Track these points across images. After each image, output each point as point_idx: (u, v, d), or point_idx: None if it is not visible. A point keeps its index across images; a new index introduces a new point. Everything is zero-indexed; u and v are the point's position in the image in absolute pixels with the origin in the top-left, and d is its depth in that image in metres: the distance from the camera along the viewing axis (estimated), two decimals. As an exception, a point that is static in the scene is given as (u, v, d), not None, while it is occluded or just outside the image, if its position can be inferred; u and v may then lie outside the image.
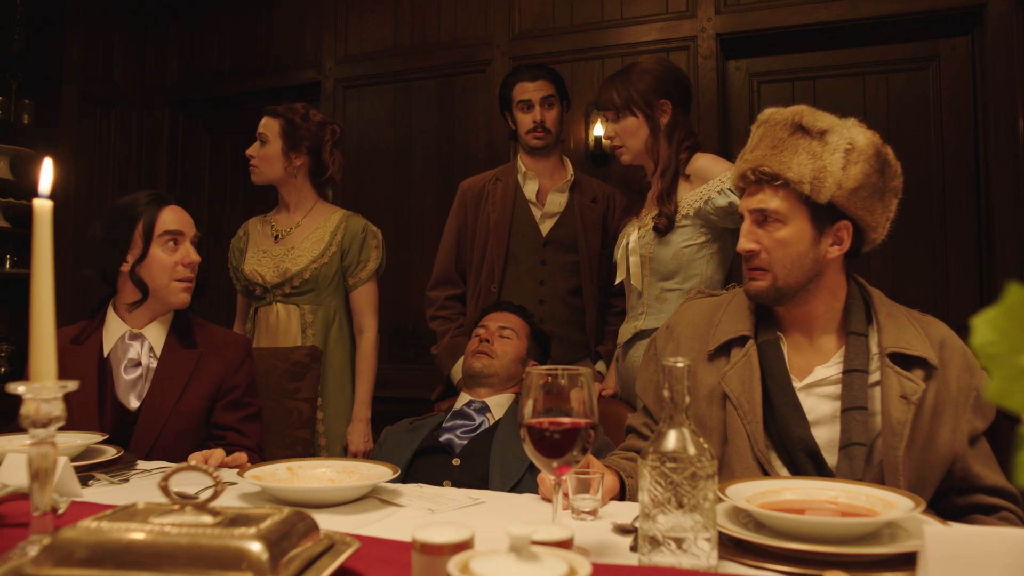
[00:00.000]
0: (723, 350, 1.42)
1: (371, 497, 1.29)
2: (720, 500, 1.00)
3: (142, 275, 1.80)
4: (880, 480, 1.27)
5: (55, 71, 3.72)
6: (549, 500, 1.27)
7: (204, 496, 0.83)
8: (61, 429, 0.87)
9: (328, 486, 1.29)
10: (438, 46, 3.60)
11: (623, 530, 1.07)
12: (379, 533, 1.04)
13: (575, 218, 2.53)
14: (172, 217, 1.84)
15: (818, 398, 1.36)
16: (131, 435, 1.74)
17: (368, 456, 2.40)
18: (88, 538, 0.77)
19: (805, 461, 1.31)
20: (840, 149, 1.33)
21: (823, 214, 1.35)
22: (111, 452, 1.53)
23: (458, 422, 1.96)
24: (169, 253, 1.82)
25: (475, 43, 3.53)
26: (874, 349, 1.36)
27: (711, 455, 0.88)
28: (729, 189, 2.02)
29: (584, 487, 1.16)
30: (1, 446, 1.38)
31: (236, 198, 4.09)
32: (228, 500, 1.25)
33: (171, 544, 0.76)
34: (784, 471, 1.33)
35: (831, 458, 1.31)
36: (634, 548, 0.98)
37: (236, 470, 1.41)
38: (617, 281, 2.29)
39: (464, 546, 0.79)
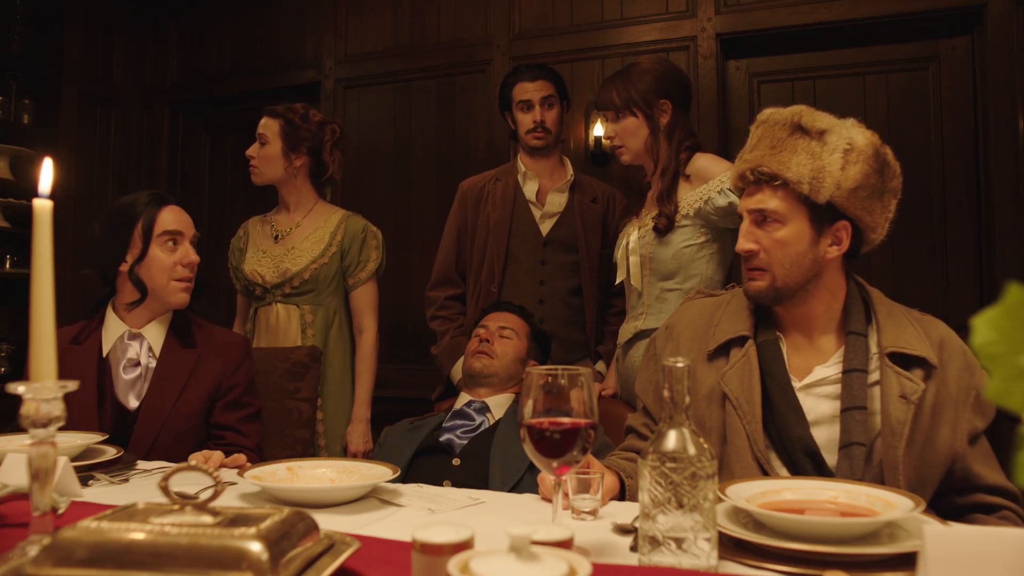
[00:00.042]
0: (722, 350, 1.42)
1: (371, 497, 1.29)
2: (720, 500, 1.00)
3: (141, 275, 1.80)
4: (880, 480, 1.27)
5: (55, 71, 3.72)
6: (549, 500, 1.27)
7: (204, 496, 0.83)
8: (61, 429, 0.87)
9: (328, 486, 1.29)
10: (438, 46, 3.60)
11: (623, 530, 1.07)
12: (379, 533, 1.04)
13: (575, 218, 2.53)
14: (171, 217, 1.84)
15: (817, 398, 1.36)
16: (130, 435, 1.74)
17: (368, 456, 2.40)
18: (88, 538, 0.77)
19: (805, 461, 1.31)
20: (839, 149, 1.33)
21: (822, 214, 1.35)
22: (111, 452, 1.53)
23: (458, 422, 1.96)
24: (168, 253, 1.82)
25: (475, 43, 3.53)
26: (873, 349, 1.36)
27: (711, 455, 0.88)
28: (729, 189, 2.02)
29: (584, 487, 1.16)
30: (1, 446, 1.38)
31: (236, 198, 4.09)
32: (228, 500, 1.25)
33: (171, 544, 0.76)
34: (784, 471, 1.33)
35: (831, 458, 1.31)
36: (634, 548, 0.98)
37: (236, 470, 1.41)
38: (617, 281, 2.29)
39: (464, 546, 0.79)
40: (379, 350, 2.56)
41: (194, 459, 1.53)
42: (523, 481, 1.72)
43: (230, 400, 1.84)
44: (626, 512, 1.17)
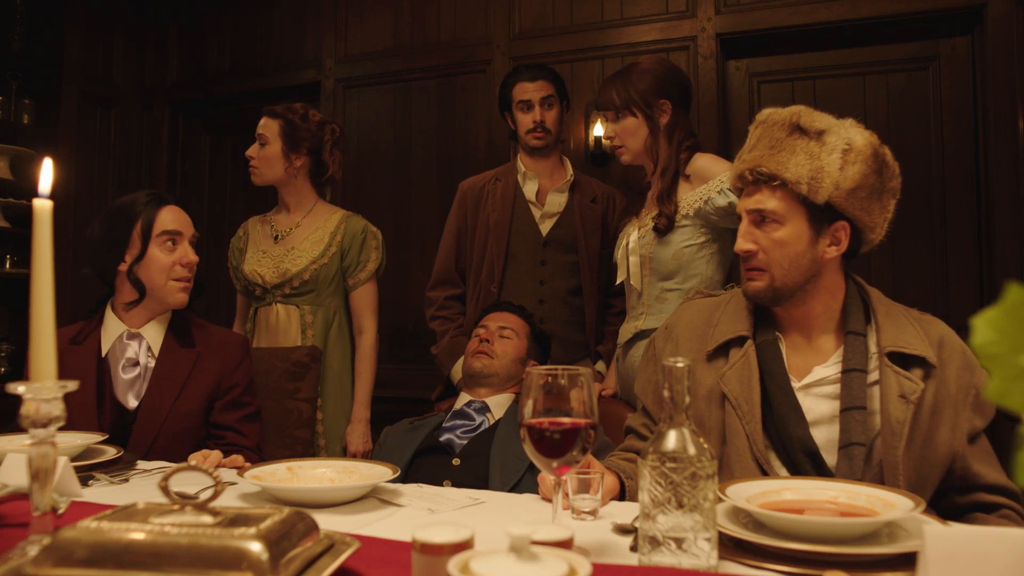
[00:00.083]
0: (722, 350, 1.42)
1: (371, 497, 1.29)
2: (720, 500, 1.00)
3: (139, 275, 1.79)
4: (880, 480, 1.27)
5: (55, 71, 3.72)
6: (549, 500, 1.27)
7: (204, 496, 0.83)
8: (61, 429, 0.87)
9: (328, 486, 1.29)
10: (438, 46, 3.60)
11: (623, 530, 1.07)
12: (379, 533, 1.04)
13: (575, 218, 2.53)
14: (170, 217, 1.84)
15: (817, 398, 1.36)
16: (129, 435, 1.74)
17: (368, 456, 2.40)
18: (88, 538, 0.77)
19: (804, 461, 1.30)
20: (838, 149, 1.33)
21: (821, 215, 1.35)
22: (111, 452, 1.53)
23: (458, 422, 1.96)
24: (167, 253, 1.82)
25: (475, 43, 3.53)
26: (873, 348, 1.36)
27: (711, 455, 0.88)
28: (729, 189, 2.02)
29: (584, 487, 1.16)
30: (1, 446, 1.38)
31: (236, 198, 4.09)
32: (228, 500, 1.25)
33: (171, 544, 0.76)
34: (783, 471, 1.33)
35: (830, 458, 1.31)
36: (634, 548, 0.98)
37: (236, 470, 1.41)
38: (618, 282, 2.29)
39: (464, 546, 0.79)
40: (379, 350, 2.56)
41: (193, 459, 1.53)
42: (523, 481, 1.72)
43: (229, 400, 1.84)
44: (626, 512, 1.17)
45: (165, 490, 0.84)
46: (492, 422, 1.96)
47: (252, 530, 0.77)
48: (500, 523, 1.01)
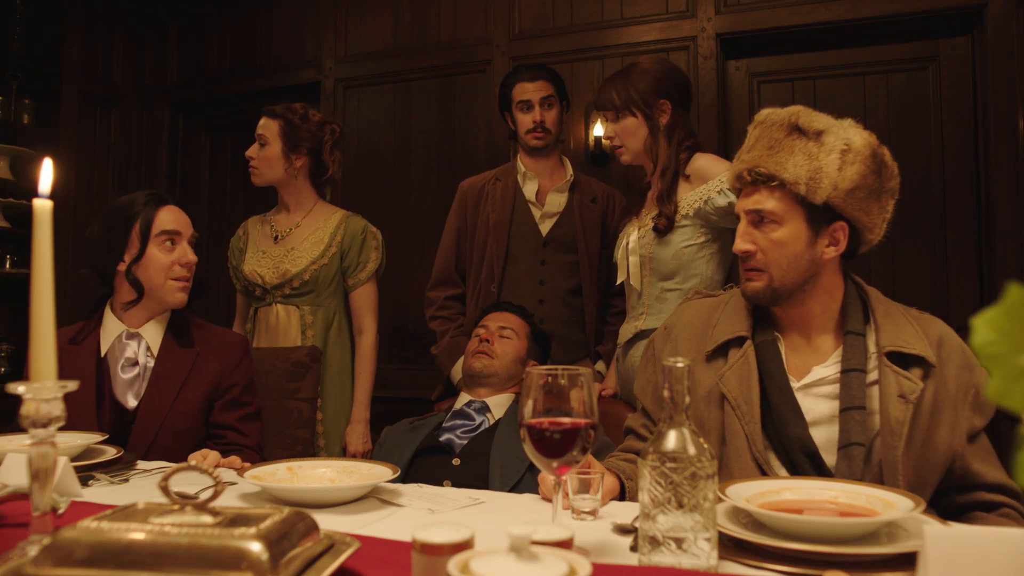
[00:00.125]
0: (721, 351, 1.42)
1: (371, 497, 1.29)
2: (720, 500, 1.00)
3: (138, 275, 1.79)
4: (879, 480, 1.27)
5: (55, 71, 3.72)
6: (549, 500, 1.27)
7: (204, 496, 0.83)
8: (61, 429, 0.88)
9: (328, 486, 1.29)
10: (438, 46, 3.60)
11: (623, 530, 1.07)
12: (379, 533, 1.04)
13: (575, 218, 2.53)
14: (169, 217, 1.84)
15: (816, 398, 1.36)
16: (129, 434, 1.74)
17: (368, 456, 2.40)
18: (88, 538, 0.77)
19: (804, 461, 1.30)
20: (836, 150, 1.32)
21: (819, 215, 1.35)
22: (111, 452, 1.53)
23: (458, 422, 1.96)
24: (166, 253, 1.82)
25: (475, 43, 3.53)
26: (872, 348, 1.36)
27: (711, 455, 0.88)
28: (729, 189, 2.02)
29: (584, 487, 1.16)
30: (1, 446, 1.38)
31: (236, 198, 4.09)
32: (228, 500, 1.25)
33: (171, 544, 0.76)
34: (783, 471, 1.33)
35: (830, 458, 1.31)
36: (634, 548, 0.98)
37: (236, 470, 1.41)
38: (618, 282, 2.29)
39: (464, 546, 0.79)
40: (379, 350, 2.56)
41: (192, 459, 1.53)
42: (523, 481, 1.72)
43: (229, 400, 1.84)
44: (626, 512, 1.17)
45: (165, 490, 0.84)
46: (492, 422, 1.96)
47: (252, 530, 0.77)
48: (500, 523, 1.01)
